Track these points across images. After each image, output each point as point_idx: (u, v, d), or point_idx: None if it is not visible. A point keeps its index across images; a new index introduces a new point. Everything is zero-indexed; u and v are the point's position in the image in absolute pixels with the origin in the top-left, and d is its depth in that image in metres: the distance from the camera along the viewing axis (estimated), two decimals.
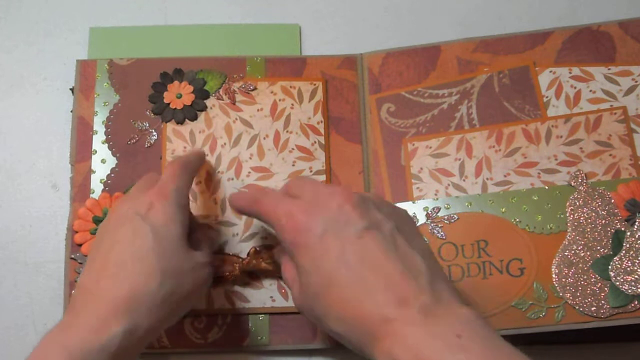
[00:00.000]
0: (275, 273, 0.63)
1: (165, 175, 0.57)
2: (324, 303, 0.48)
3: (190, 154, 0.63)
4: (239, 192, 0.57)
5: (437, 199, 0.65)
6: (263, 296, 0.64)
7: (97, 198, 0.65)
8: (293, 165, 0.67)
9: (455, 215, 0.65)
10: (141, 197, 0.54)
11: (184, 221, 0.55)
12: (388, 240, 0.48)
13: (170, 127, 0.68)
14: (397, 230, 0.49)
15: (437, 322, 0.44)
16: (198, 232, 0.60)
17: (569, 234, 0.63)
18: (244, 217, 0.65)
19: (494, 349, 0.43)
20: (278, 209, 0.51)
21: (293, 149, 0.67)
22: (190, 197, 0.65)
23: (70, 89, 0.70)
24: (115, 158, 0.67)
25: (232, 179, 0.66)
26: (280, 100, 0.69)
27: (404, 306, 0.45)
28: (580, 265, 0.61)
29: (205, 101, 0.68)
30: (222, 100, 0.69)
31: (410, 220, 0.53)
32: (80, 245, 0.64)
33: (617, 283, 0.60)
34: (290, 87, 0.69)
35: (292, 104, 0.69)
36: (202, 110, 0.68)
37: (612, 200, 0.63)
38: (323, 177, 0.67)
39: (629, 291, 0.60)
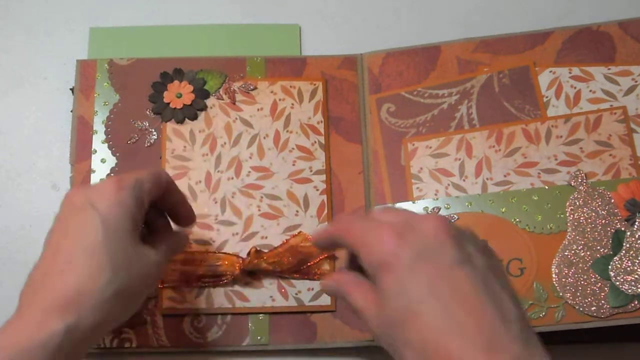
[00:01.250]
0: (275, 273, 0.63)
1: (136, 174, 0.54)
2: (407, 330, 0.43)
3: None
4: (321, 229, 0.54)
5: (437, 199, 0.65)
6: (263, 296, 0.64)
7: None
8: (293, 165, 0.67)
9: (455, 215, 0.65)
10: (97, 185, 0.52)
11: (137, 215, 0.52)
12: (481, 278, 0.44)
13: (170, 126, 0.68)
14: (490, 269, 0.45)
15: None
16: (162, 233, 0.58)
17: (569, 233, 0.63)
18: (244, 217, 0.65)
19: None
20: (367, 232, 0.46)
21: (293, 148, 0.67)
22: (190, 197, 0.65)
23: (70, 89, 0.70)
24: (115, 158, 0.67)
25: (232, 178, 0.66)
26: (280, 100, 0.69)
27: (494, 353, 0.40)
28: (580, 265, 0.61)
29: (205, 101, 0.69)
30: (222, 99, 0.69)
31: (499, 261, 0.49)
32: None
33: (617, 283, 0.60)
34: (290, 87, 0.69)
35: (292, 104, 0.69)
36: (202, 110, 0.68)
37: (612, 200, 0.63)
38: (323, 177, 0.67)
39: (629, 291, 0.60)
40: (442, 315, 0.42)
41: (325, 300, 0.64)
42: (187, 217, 0.60)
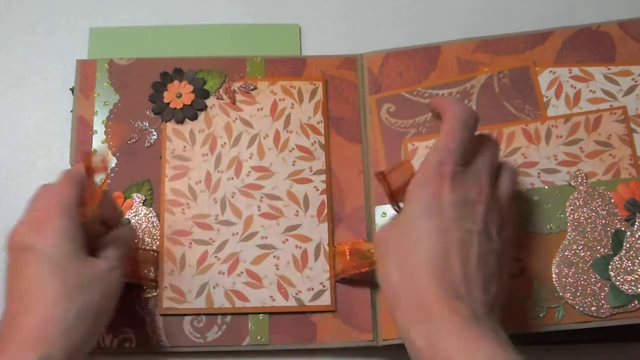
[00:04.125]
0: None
1: (55, 187, 0.56)
2: (407, 244, 0.51)
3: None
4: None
5: None
6: (263, 296, 0.63)
7: None
8: (293, 164, 0.67)
9: None
10: (29, 220, 0.54)
11: (77, 233, 0.53)
12: (487, 247, 0.51)
13: (170, 126, 0.68)
14: (499, 235, 0.53)
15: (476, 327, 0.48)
16: (107, 237, 0.58)
17: (569, 233, 0.63)
18: (244, 217, 0.65)
19: None
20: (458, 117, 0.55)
21: (293, 148, 0.67)
22: (190, 197, 0.65)
23: (70, 89, 0.70)
24: (115, 158, 0.67)
25: (232, 178, 0.66)
26: (280, 100, 0.69)
27: (460, 301, 0.48)
28: (581, 265, 0.61)
29: (205, 101, 0.69)
30: (222, 99, 0.69)
31: (511, 222, 0.55)
32: None
33: (617, 283, 0.60)
34: (291, 86, 0.69)
35: (292, 104, 0.69)
36: (202, 110, 0.68)
37: (612, 200, 0.63)
38: (323, 177, 0.67)
39: (629, 291, 0.60)
40: (444, 251, 0.50)
41: (325, 300, 0.63)
42: (112, 217, 0.61)
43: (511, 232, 0.55)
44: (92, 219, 0.56)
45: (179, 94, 0.69)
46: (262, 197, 0.66)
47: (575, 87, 0.67)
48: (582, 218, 0.63)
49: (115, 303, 0.56)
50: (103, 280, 0.53)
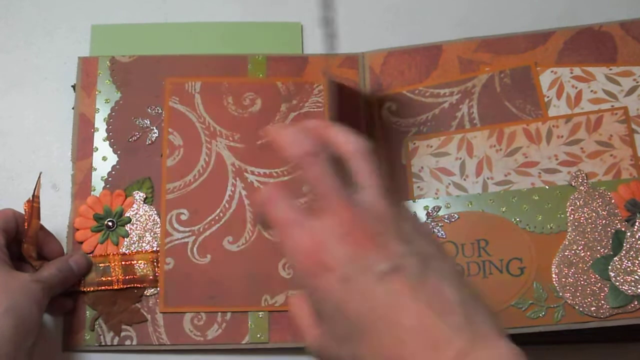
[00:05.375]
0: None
1: None
2: (354, 347, 0.42)
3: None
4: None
5: (437, 198, 0.65)
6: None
7: (98, 195, 0.66)
8: None
9: (455, 215, 0.65)
10: None
11: (2, 254, 0.59)
12: (415, 279, 0.41)
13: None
14: (424, 262, 0.42)
15: None
16: (49, 261, 0.63)
17: (569, 233, 0.63)
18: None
19: None
20: (293, 233, 0.43)
21: None
22: None
23: (72, 86, 0.70)
24: (116, 155, 0.67)
25: None
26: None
27: (438, 351, 0.39)
28: (580, 265, 0.61)
29: None
30: None
31: (434, 241, 0.45)
32: (81, 242, 0.64)
33: (617, 283, 0.60)
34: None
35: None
36: None
37: (613, 201, 0.63)
38: None
39: (629, 291, 0.60)
40: (385, 327, 0.40)
41: None
42: (51, 250, 0.64)
43: None
44: (28, 252, 0.61)
45: None
46: None
47: (576, 87, 0.67)
48: (582, 218, 0.63)
49: (41, 313, 0.58)
50: (27, 289, 0.58)
